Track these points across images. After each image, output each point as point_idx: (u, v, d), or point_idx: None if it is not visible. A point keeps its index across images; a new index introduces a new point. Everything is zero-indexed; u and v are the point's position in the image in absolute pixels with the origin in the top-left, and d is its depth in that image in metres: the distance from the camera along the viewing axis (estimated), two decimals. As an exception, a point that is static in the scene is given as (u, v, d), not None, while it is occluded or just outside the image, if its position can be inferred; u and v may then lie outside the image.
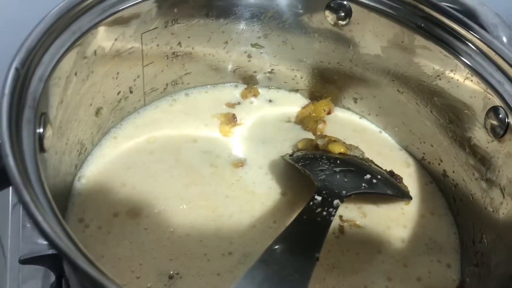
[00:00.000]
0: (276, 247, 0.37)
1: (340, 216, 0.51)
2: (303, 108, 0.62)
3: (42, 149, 0.37)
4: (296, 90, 0.63)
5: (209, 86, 0.62)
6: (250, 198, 0.53)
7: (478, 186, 0.48)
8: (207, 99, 0.61)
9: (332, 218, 0.42)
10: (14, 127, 0.33)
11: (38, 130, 0.36)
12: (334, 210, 0.43)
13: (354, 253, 0.50)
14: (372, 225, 0.51)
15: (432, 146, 0.55)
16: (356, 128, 0.61)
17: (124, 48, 0.50)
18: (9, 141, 0.32)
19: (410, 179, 0.56)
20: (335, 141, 0.52)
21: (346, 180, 0.47)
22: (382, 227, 0.52)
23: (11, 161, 0.30)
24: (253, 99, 0.63)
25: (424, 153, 0.57)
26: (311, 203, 0.43)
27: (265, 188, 0.54)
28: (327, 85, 0.61)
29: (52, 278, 0.51)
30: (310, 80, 0.62)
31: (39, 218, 0.28)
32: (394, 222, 0.52)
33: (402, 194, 0.51)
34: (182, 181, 0.53)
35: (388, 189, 0.49)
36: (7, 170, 0.30)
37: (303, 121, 0.60)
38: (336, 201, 0.43)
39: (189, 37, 0.55)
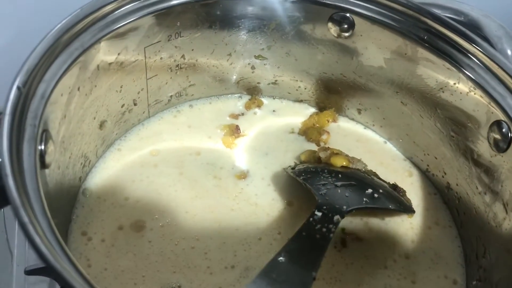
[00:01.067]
0: (275, 262, 0.37)
1: (343, 229, 0.51)
2: (307, 119, 0.62)
3: (43, 165, 0.38)
4: (300, 101, 0.63)
5: (213, 97, 0.63)
6: (254, 209, 0.53)
7: (481, 200, 0.48)
8: (211, 110, 0.62)
9: (331, 235, 0.42)
10: (14, 146, 0.34)
11: (39, 147, 0.37)
12: (334, 227, 0.42)
13: (358, 266, 0.50)
14: (378, 240, 0.51)
15: (436, 158, 0.55)
16: (359, 138, 0.61)
17: (128, 61, 0.50)
18: (9, 161, 0.32)
19: (412, 189, 0.56)
20: (337, 153, 0.52)
21: (347, 195, 0.47)
22: (388, 242, 0.51)
23: (10, 181, 0.31)
24: (256, 110, 0.63)
25: (428, 165, 0.57)
26: (311, 219, 0.43)
27: (269, 199, 0.54)
28: (331, 95, 0.61)
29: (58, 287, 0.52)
30: (314, 90, 0.62)
31: (37, 240, 0.28)
32: (402, 237, 0.52)
33: (404, 208, 0.51)
34: (187, 194, 0.53)
35: (390, 203, 0.49)
36: (6, 190, 0.30)
37: (306, 132, 0.60)
38: (336, 217, 0.43)
39: (192, 49, 0.56)
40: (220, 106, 0.62)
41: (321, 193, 0.46)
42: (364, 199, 0.47)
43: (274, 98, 0.64)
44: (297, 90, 0.62)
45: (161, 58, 0.54)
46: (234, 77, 0.61)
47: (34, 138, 0.36)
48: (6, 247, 0.59)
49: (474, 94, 0.47)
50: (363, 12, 0.52)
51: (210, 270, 0.48)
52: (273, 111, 0.63)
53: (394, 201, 0.49)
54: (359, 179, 0.49)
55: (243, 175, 0.55)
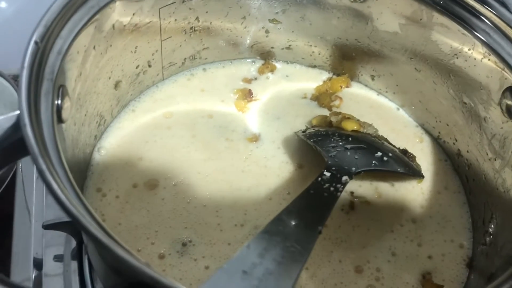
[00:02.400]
0: (280, 219, 0.38)
1: (351, 193, 0.52)
2: (320, 84, 0.62)
3: (60, 120, 0.39)
4: (314, 66, 0.63)
5: (226, 61, 0.63)
6: (264, 171, 0.54)
7: (491, 166, 0.48)
8: (224, 74, 0.62)
9: (339, 193, 0.42)
10: (32, 99, 0.35)
11: (56, 102, 0.38)
12: (342, 186, 0.43)
13: (365, 228, 0.51)
14: (386, 204, 0.52)
15: (447, 125, 0.55)
16: (372, 104, 0.61)
17: (142, 22, 0.51)
18: (28, 112, 0.33)
19: (423, 155, 0.56)
20: (348, 118, 0.53)
21: (356, 157, 0.47)
22: (396, 207, 0.52)
23: (29, 131, 0.32)
24: (269, 74, 0.63)
25: (439, 132, 0.57)
26: (320, 178, 0.44)
27: (279, 162, 0.55)
28: (344, 61, 0.61)
29: (74, 243, 0.54)
30: (328, 56, 0.62)
31: (54, 186, 0.30)
32: (410, 202, 0.52)
33: (413, 172, 0.51)
34: (199, 156, 0.54)
35: (399, 167, 0.49)
36: (25, 139, 0.32)
37: (319, 97, 0.60)
38: (344, 178, 0.44)
39: (207, 12, 0.56)
40: (233, 70, 0.63)
41: (330, 155, 0.47)
42: (373, 162, 0.48)
43: (287, 63, 0.64)
44: (311, 55, 0.62)
45: (175, 20, 0.54)
46: (248, 41, 0.61)
47: (51, 92, 0.37)
48: (24, 205, 0.61)
49: (488, 60, 0.47)
50: (379, -24, 0.51)
51: (220, 227, 0.49)
52: (286, 76, 0.63)
53: (403, 165, 0.50)
54: (369, 143, 0.50)
55: (254, 138, 0.56)
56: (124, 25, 0.49)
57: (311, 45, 0.61)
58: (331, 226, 0.50)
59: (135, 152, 0.54)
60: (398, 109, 0.60)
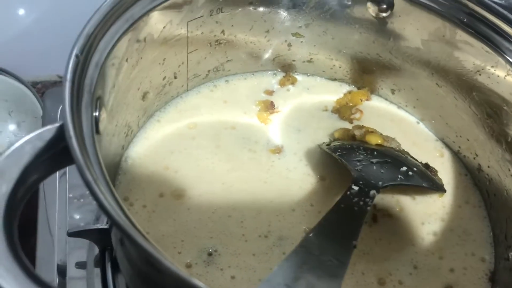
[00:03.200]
0: (315, 234, 0.39)
1: (374, 206, 0.53)
2: (341, 97, 0.63)
3: (97, 131, 0.40)
4: (334, 79, 0.64)
5: (248, 73, 0.64)
6: (287, 182, 0.55)
7: (513, 182, 0.49)
8: (246, 86, 0.63)
9: (368, 208, 0.43)
10: (75, 111, 0.36)
11: (94, 114, 0.39)
12: (371, 200, 0.44)
13: (387, 241, 0.51)
14: (408, 217, 0.52)
15: (468, 140, 0.56)
16: (393, 118, 0.62)
17: (172, 35, 0.52)
18: (72, 124, 0.34)
19: (443, 169, 0.57)
20: (372, 132, 0.54)
21: (382, 171, 0.48)
22: (417, 221, 0.53)
23: (74, 143, 0.33)
24: (290, 86, 0.64)
25: (459, 147, 0.57)
26: (348, 192, 0.45)
27: (301, 173, 0.56)
28: (365, 75, 0.62)
29: (96, 251, 0.55)
30: (348, 69, 0.63)
31: (101, 197, 0.30)
32: (431, 216, 0.53)
33: (436, 187, 0.52)
34: (223, 166, 0.55)
35: (423, 181, 0.50)
36: (71, 151, 0.32)
37: (340, 110, 0.61)
38: (372, 192, 0.45)
39: (232, 25, 0.57)
40: (255, 82, 0.64)
41: (357, 168, 0.47)
42: (399, 176, 0.48)
43: (308, 76, 0.65)
44: (331, 68, 0.63)
45: (202, 33, 0.55)
46: (270, 54, 0.62)
47: (90, 104, 0.38)
48: (47, 212, 0.62)
49: (512, 77, 0.48)
50: (403, -7, 0.53)
51: (245, 237, 0.50)
52: (307, 88, 0.64)
53: (427, 179, 0.51)
54: (394, 157, 0.51)
55: (277, 150, 0.57)
56: (155, 38, 0.50)
57: (332, 59, 0.62)
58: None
59: (161, 162, 0.55)
60: (418, 123, 0.61)
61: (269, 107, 0.60)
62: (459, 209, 0.54)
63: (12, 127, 0.72)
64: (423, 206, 0.54)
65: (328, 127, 0.60)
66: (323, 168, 0.56)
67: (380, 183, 0.47)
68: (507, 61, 0.48)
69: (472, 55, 0.51)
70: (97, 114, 0.39)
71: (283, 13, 0.58)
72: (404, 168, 0.49)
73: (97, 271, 0.54)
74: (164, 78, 0.56)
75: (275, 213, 0.52)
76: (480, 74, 0.51)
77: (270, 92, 0.63)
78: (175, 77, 0.57)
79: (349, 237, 0.38)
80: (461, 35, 0.51)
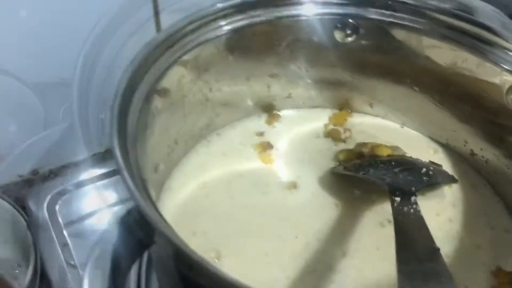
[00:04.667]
0: (401, 258, 0.40)
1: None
2: (326, 122, 0.66)
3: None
4: (314, 107, 0.68)
5: (235, 121, 0.65)
6: (306, 216, 0.57)
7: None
8: (237, 134, 0.65)
9: (420, 212, 0.46)
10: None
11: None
12: (417, 206, 0.47)
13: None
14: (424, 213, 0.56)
15: (454, 131, 0.61)
16: (378, 128, 0.65)
17: (170, 102, 0.53)
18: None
19: (441, 162, 0.61)
20: (379, 145, 0.57)
21: (408, 177, 0.52)
22: (433, 214, 0.56)
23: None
24: (277, 124, 0.66)
25: (447, 139, 0.63)
26: (395, 204, 0.48)
27: (316, 204, 0.58)
28: (342, 97, 0.66)
29: None
30: (326, 96, 0.67)
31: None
32: (445, 206, 0.57)
33: (451, 179, 0.56)
34: (244, 216, 0.56)
35: (441, 177, 0.54)
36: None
37: (330, 133, 0.65)
38: (413, 198, 0.48)
39: (217, 81, 0.59)
40: (244, 128, 0.65)
41: (387, 182, 0.51)
42: (424, 178, 0.52)
43: (289, 109, 0.68)
44: (309, 98, 0.67)
45: (193, 95, 0.57)
46: (252, 99, 0.65)
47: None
48: None
49: (484, 67, 0.54)
50: (368, 17, 0.57)
51: (289, 278, 0.51)
52: (293, 121, 0.67)
53: (442, 174, 0.55)
54: (409, 162, 0.55)
55: (292, 185, 0.59)
56: (160, 107, 0.51)
57: (308, 89, 0.66)
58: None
59: (186, 229, 0.54)
60: (402, 127, 0.66)
61: (267, 147, 0.62)
62: (467, 193, 0.59)
63: (12, 128, 0.68)
64: (435, 200, 0.58)
65: (328, 152, 0.63)
66: (335, 194, 0.58)
67: (413, 188, 0.50)
68: (476, 54, 0.54)
69: (443, 55, 0.56)
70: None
71: (259, 58, 0.61)
72: (424, 170, 0.53)
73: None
74: (168, 146, 0.56)
75: (307, 248, 0.54)
76: (453, 70, 0.56)
77: (261, 134, 0.65)
78: (176, 143, 0.58)
79: (429, 243, 0.41)
80: (427, 41, 0.56)
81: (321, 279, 0.51)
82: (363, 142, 0.60)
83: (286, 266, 0.52)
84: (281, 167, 0.61)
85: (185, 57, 0.51)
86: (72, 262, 0.62)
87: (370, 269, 0.52)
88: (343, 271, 0.51)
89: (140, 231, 0.38)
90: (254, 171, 0.61)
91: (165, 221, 0.35)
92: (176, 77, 0.52)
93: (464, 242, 0.55)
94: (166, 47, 0.49)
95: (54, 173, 0.77)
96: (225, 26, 0.52)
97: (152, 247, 0.41)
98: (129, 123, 0.43)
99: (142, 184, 0.38)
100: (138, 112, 0.45)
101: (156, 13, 0.66)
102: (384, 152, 0.56)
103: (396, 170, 0.53)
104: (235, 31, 0.53)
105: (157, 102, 0.50)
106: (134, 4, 0.63)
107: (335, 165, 0.60)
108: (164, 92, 0.51)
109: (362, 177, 0.54)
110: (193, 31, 0.50)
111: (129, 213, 0.39)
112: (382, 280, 0.51)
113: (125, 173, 0.37)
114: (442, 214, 0.56)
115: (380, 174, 0.52)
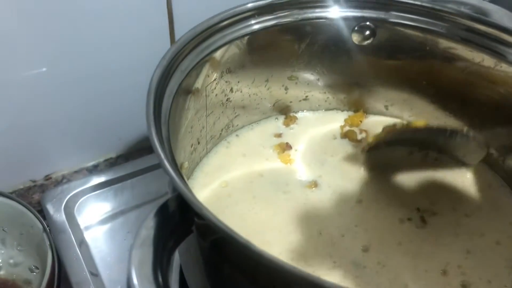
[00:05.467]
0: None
1: (418, 208, 0.57)
2: (342, 124, 0.67)
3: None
4: (329, 109, 0.69)
5: (253, 124, 0.67)
6: (328, 213, 0.58)
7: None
8: (256, 136, 0.66)
9: None
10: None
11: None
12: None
13: (433, 237, 0.55)
14: (449, 212, 0.58)
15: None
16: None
17: (195, 103, 0.54)
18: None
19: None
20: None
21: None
22: (449, 209, 0.58)
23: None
24: (294, 126, 0.68)
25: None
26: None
27: (337, 202, 0.59)
28: (357, 99, 0.68)
29: None
30: (342, 98, 0.68)
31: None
32: (463, 202, 0.59)
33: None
34: (267, 214, 0.57)
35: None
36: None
37: (347, 134, 0.66)
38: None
39: (238, 81, 0.60)
40: (262, 129, 0.67)
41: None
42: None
43: (305, 112, 0.69)
44: (325, 100, 0.68)
45: (216, 95, 0.58)
46: (270, 100, 0.66)
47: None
48: None
49: (501, 67, 0.55)
50: (386, 19, 0.59)
51: (316, 273, 0.51)
52: (310, 123, 0.68)
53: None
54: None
55: (313, 184, 0.60)
56: (186, 108, 0.51)
57: (325, 92, 0.67)
58: (412, 243, 0.55)
59: (210, 227, 0.55)
60: (418, 128, 0.67)
61: (286, 147, 0.63)
62: (484, 191, 0.60)
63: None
64: (456, 199, 0.59)
65: (345, 152, 0.64)
66: (356, 192, 0.60)
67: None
68: (492, 55, 0.55)
69: (459, 58, 0.58)
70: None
71: (279, 60, 0.62)
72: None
73: None
74: (191, 146, 0.57)
75: (329, 244, 0.54)
76: (469, 72, 0.58)
77: (279, 135, 0.66)
78: (198, 143, 0.58)
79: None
80: (444, 43, 0.58)
81: (346, 274, 0.52)
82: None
83: (312, 262, 0.53)
84: (301, 167, 0.62)
85: (212, 56, 0.52)
86: (92, 263, 0.62)
87: (393, 264, 0.53)
88: (367, 266, 0.52)
89: (179, 219, 0.38)
90: (275, 171, 0.62)
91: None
92: (202, 76, 0.53)
93: (483, 237, 0.56)
94: (194, 45, 0.49)
95: (67, 178, 0.77)
96: (255, 25, 0.54)
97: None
98: (162, 120, 0.43)
99: (180, 175, 0.38)
100: (169, 110, 0.46)
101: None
102: (421, 123, 0.56)
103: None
104: (263, 30, 0.54)
105: (184, 101, 0.51)
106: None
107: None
108: (189, 91, 0.52)
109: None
110: (222, 29, 0.51)
111: (164, 206, 0.39)
112: (405, 275, 0.52)
113: (166, 164, 0.37)
114: (462, 210, 0.58)
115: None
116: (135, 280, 0.32)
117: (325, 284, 0.32)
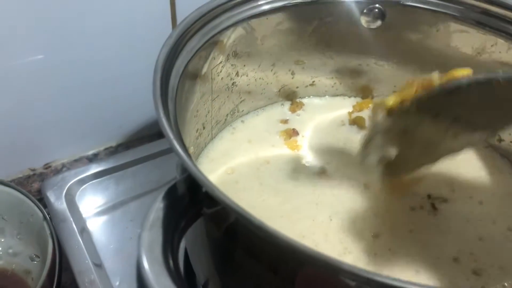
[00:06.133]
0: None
1: (429, 195, 0.56)
2: (350, 110, 0.66)
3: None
4: (336, 95, 0.68)
5: (259, 109, 0.65)
6: (337, 199, 0.56)
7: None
8: (262, 121, 0.64)
9: None
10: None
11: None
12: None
13: (446, 225, 0.55)
14: (460, 198, 0.57)
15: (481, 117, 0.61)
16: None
17: (201, 86, 0.52)
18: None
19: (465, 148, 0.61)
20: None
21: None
22: (466, 197, 0.57)
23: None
24: (300, 112, 0.66)
25: (473, 125, 0.63)
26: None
27: (346, 187, 0.57)
28: (365, 84, 0.66)
29: None
30: (350, 83, 0.66)
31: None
32: (476, 189, 0.58)
33: None
34: (275, 201, 0.56)
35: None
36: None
37: (355, 121, 0.64)
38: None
39: (244, 65, 0.58)
40: (268, 115, 0.65)
41: None
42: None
43: (312, 98, 0.68)
44: (332, 86, 0.67)
45: (221, 79, 0.56)
46: (276, 86, 0.64)
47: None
48: None
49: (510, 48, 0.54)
50: (395, 1, 0.58)
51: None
52: (317, 109, 0.67)
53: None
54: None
55: (319, 172, 0.58)
56: (192, 92, 0.50)
57: (332, 77, 0.66)
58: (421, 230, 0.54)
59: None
60: (426, 114, 0.66)
61: (293, 134, 0.62)
62: (495, 178, 0.59)
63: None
64: (467, 185, 0.58)
65: (354, 139, 0.62)
66: (364, 177, 0.58)
67: None
68: (505, 38, 0.54)
69: (470, 41, 0.57)
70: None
71: (286, 43, 0.60)
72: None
73: None
74: (197, 130, 0.55)
75: (339, 230, 0.53)
76: (481, 55, 0.57)
77: (285, 121, 0.64)
78: (204, 127, 0.57)
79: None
80: (455, 26, 0.57)
81: (357, 260, 0.50)
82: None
83: (322, 247, 0.51)
84: (308, 154, 0.61)
85: (218, 37, 0.51)
86: (94, 252, 0.60)
87: (403, 251, 0.51)
88: (378, 253, 0.51)
89: (189, 202, 0.37)
90: (282, 157, 0.60)
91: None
92: (208, 58, 0.51)
93: (496, 224, 0.54)
94: (201, 25, 0.48)
95: (67, 167, 0.76)
96: (264, 6, 0.52)
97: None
98: (169, 100, 0.42)
99: (190, 156, 0.37)
100: (175, 91, 0.44)
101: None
102: (462, 72, 0.44)
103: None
104: (271, 11, 0.53)
105: (190, 83, 0.49)
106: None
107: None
108: (195, 73, 0.50)
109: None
110: (229, 9, 0.50)
111: (172, 188, 0.37)
112: (416, 262, 0.51)
113: (176, 144, 0.35)
114: (474, 196, 0.57)
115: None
116: (145, 263, 0.30)
117: (341, 265, 0.31)
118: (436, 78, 0.45)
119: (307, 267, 0.34)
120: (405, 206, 0.55)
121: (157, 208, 0.34)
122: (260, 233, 0.31)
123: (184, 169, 0.35)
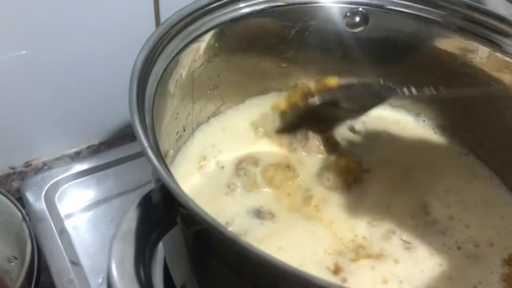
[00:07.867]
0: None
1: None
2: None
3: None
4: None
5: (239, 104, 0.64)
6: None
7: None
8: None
9: None
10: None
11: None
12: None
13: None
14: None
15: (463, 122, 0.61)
16: (390, 120, 0.66)
17: (181, 89, 0.52)
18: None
19: (446, 152, 0.62)
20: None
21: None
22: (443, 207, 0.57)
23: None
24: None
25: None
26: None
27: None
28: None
29: None
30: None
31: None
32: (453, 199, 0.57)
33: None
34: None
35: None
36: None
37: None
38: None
39: (226, 67, 0.58)
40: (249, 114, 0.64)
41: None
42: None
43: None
44: (315, 89, 0.67)
45: (202, 81, 0.56)
46: (258, 88, 0.64)
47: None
48: None
49: (495, 57, 0.54)
50: (378, 5, 0.57)
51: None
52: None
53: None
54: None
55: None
56: (172, 94, 0.49)
57: (315, 80, 0.65)
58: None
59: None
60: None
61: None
62: (474, 184, 0.59)
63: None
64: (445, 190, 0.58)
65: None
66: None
67: None
68: (486, 44, 0.54)
69: (452, 47, 0.57)
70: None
71: (269, 46, 0.60)
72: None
73: None
74: (177, 133, 0.55)
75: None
76: (463, 61, 0.57)
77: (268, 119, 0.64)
78: (184, 130, 0.56)
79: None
80: (438, 31, 0.57)
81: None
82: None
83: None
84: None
85: (199, 40, 0.50)
86: (73, 252, 0.60)
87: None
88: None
89: (163, 211, 0.36)
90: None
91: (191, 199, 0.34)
92: (188, 61, 0.51)
93: (475, 231, 0.55)
94: (181, 28, 0.47)
95: (48, 165, 0.75)
96: (244, 8, 0.51)
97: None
98: (146, 106, 0.41)
99: (165, 164, 0.36)
100: (153, 96, 0.43)
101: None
102: (333, 82, 0.56)
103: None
104: (252, 14, 0.52)
105: (169, 86, 0.49)
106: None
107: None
108: (175, 76, 0.50)
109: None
110: (210, 11, 0.49)
111: (147, 196, 0.37)
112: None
113: (150, 153, 0.35)
114: (452, 206, 0.57)
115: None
116: (115, 276, 0.30)
117: (314, 280, 0.31)
118: (312, 85, 0.59)
119: (280, 280, 0.34)
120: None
121: (130, 218, 0.34)
122: (233, 246, 0.31)
123: (158, 179, 0.35)
